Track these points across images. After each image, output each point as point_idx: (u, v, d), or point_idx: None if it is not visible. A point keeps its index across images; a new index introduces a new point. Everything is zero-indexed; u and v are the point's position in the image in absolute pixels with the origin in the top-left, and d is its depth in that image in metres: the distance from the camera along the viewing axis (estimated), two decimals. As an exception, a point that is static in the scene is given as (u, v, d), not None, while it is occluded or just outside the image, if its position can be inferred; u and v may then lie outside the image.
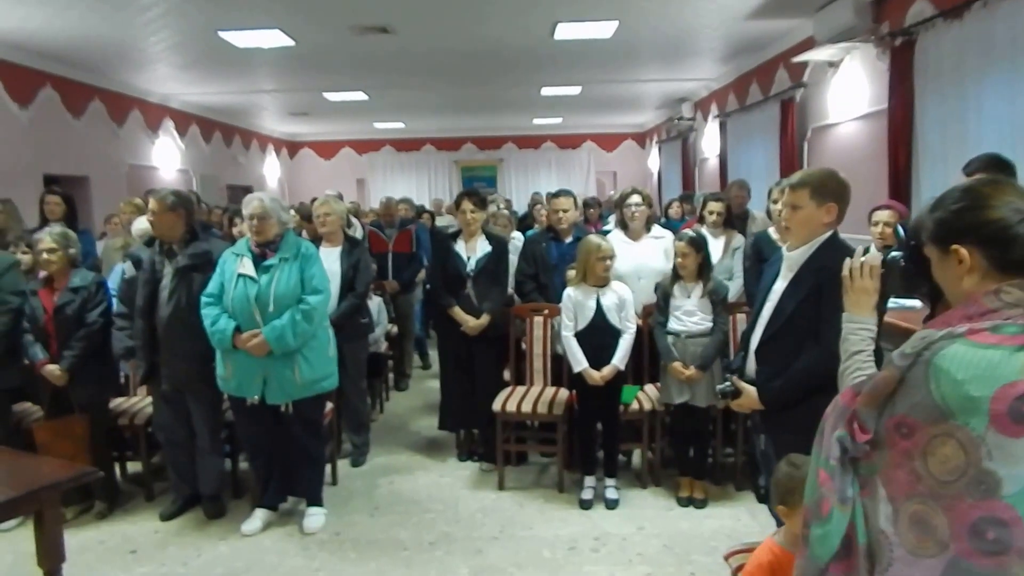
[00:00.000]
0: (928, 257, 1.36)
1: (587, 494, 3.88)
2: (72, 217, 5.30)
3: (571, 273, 4.16)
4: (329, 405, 3.98)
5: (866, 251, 1.75)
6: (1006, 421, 1.11)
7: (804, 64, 6.67)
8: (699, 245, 3.74)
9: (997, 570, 1.11)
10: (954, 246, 1.27)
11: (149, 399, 3.95)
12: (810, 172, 2.45)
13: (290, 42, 6.66)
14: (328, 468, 4.06)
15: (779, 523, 2.63)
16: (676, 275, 3.80)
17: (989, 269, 1.24)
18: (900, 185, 5.00)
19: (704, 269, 3.76)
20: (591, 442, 3.97)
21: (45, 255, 3.69)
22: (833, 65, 6.24)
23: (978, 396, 1.12)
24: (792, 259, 2.41)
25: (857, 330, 1.66)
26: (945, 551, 1.14)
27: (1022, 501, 1.10)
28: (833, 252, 2.34)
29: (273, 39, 6.56)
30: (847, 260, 1.72)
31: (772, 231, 4.01)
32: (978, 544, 1.11)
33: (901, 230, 3.64)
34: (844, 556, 1.27)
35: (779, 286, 2.44)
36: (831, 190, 2.36)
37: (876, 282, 1.69)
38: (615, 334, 3.79)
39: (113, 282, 4.03)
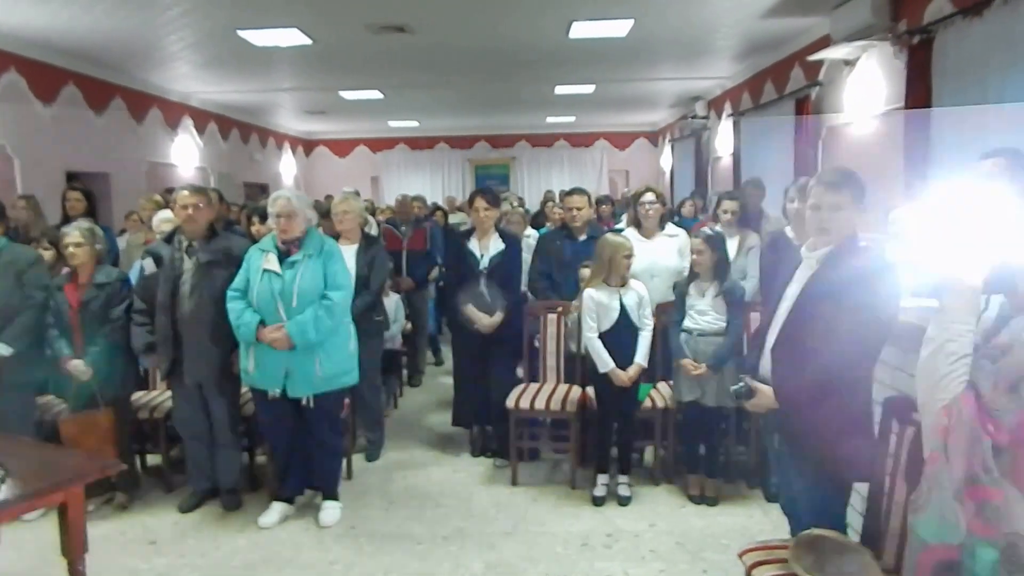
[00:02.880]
0: None
1: (600, 491, 3.91)
2: (92, 213, 5.37)
3: (584, 271, 4.18)
4: (345, 400, 4.03)
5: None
6: None
7: (820, 62, 6.64)
8: (715, 243, 3.74)
9: None
10: None
11: (168, 393, 4.01)
12: (846, 172, 2.41)
13: (308, 41, 6.71)
14: (343, 462, 4.10)
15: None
16: (693, 274, 3.81)
17: None
18: (915, 185, 4.97)
19: (720, 268, 3.76)
20: (608, 440, 3.99)
21: (71, 249, 3.75)
22: (849, 63, 6.22)
23: None
24: (812, 258, 2.41)
25: (966, 332, 1.51)
26: None
27: None
28: (854, 251, 2.35)
29: (291, 38, 6.62)
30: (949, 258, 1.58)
31: (788, 230, 4.00)
32: None
33: None
34: None
35: (797, 285, 2.43)
36: (863, 191, 2.36)
37: (981, 280, 1.56)
38: (635, 333, 3.81)
39: (134, 278, 4.09)
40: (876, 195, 2.43)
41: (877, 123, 5.87)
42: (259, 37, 6.57)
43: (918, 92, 4.96)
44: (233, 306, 3.51)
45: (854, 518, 2.63)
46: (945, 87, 4.76)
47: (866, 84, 6.02)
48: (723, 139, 10.00)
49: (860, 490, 2.59)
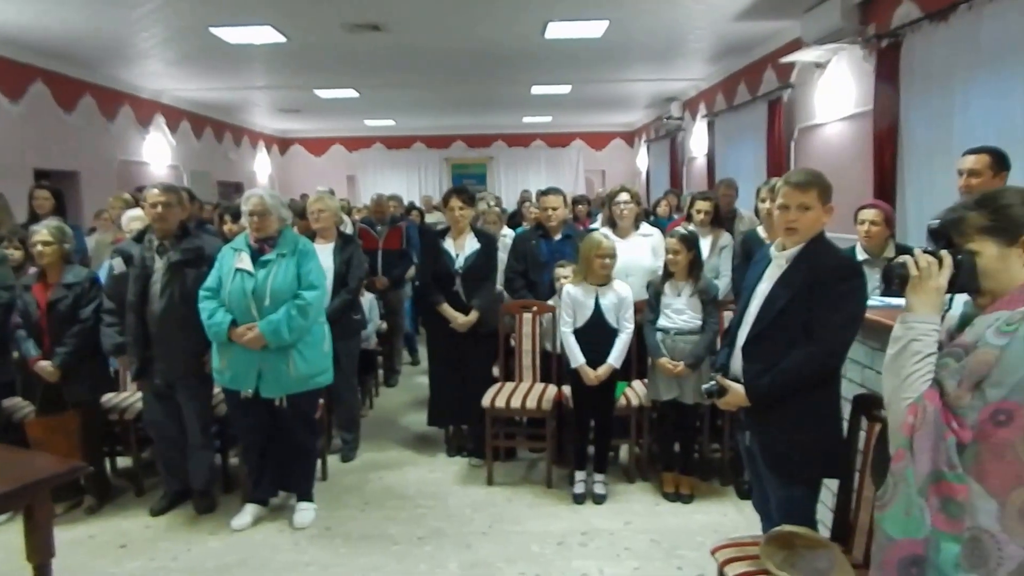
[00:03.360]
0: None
1: (578, 488, 3.92)
2: (61, 212, 5.28)
3: (559, 271, 4.20)
4: (320, 400, 4.00)
5: (934, 252, 1.59)
6: None
7: (791, 65, 6.73)
8: (690, 243, 3.76)
9: None
10: None
11: (139, 395, 3.96)
12: (813, 173, 2.44)
13: (282, 39, 6.66)
14: (318, 463, 4.08)
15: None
16: (667, 273, 3.83)
17: None
18: (885, 185, 5.06)
19: (695, 267, 3.79)
20: (585, 438, 4.01)
21: (40, 247, 3.68)
22: (820, 66, 6.31)
23: None
24: (782, 257, 2.44)
25: (931, 331, 1.53)
26: None
27: None
28: (822, 250, 2.38)
29: (265, 35, 6.56)
30: (910, 259, 1.60)
31: (760, 230, 4.05)
32: None
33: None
34: None
35: (766, 283, 2.46)
36: (830, 191, 2.40)
37: (946, 280, 1.57)
38: (612, 333, 3.80)
39: (103, 278, 4.03)
40: (846, 195, 2.47)
41: (847, 124, 5.96)
42: (232, 34, 6.51)
43: (887, 95, 5.06)
44: (205, 306, 3.47)
45: (824, 514, 2.67)
46: (912, 89, 4.86)
47: (836, 86, 6.11)
48: (697, 140, 10.09)
49: (830, 486, 2.63)
